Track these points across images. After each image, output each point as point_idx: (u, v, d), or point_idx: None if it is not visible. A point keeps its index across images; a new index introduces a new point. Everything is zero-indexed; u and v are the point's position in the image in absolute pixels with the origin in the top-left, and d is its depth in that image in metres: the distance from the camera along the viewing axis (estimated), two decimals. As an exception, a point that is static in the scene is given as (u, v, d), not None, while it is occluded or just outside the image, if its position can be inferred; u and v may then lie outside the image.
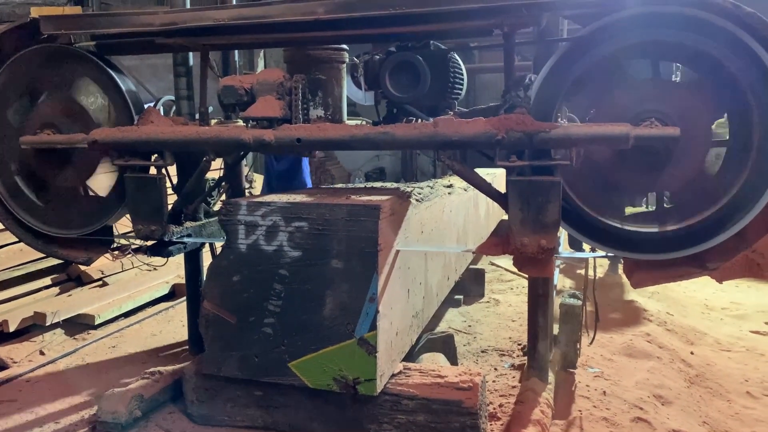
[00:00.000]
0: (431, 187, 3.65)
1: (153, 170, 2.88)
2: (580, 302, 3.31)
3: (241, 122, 2.91)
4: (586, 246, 2.53)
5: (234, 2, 3.59)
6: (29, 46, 2.96)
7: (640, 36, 2.22)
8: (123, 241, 4.45)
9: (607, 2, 2.21)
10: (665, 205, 2.41)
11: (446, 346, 3.53)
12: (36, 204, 3.11)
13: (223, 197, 3.50)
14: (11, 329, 4.17)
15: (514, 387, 3.40)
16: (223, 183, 3.34)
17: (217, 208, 3.49)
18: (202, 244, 3.48)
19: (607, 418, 3.11)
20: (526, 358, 3.30)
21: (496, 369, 3.80)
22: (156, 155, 2.79)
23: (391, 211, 2.64)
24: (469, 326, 4.65)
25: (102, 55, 3.01)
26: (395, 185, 3.71)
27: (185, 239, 3.01)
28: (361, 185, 3.87)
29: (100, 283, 5.13)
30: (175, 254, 3.05)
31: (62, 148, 2.92)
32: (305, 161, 4.86)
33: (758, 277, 2.18)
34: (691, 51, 2.19)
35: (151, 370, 3.04)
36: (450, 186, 3.95)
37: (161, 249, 2.95)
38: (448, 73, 2.74)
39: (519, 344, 4.14)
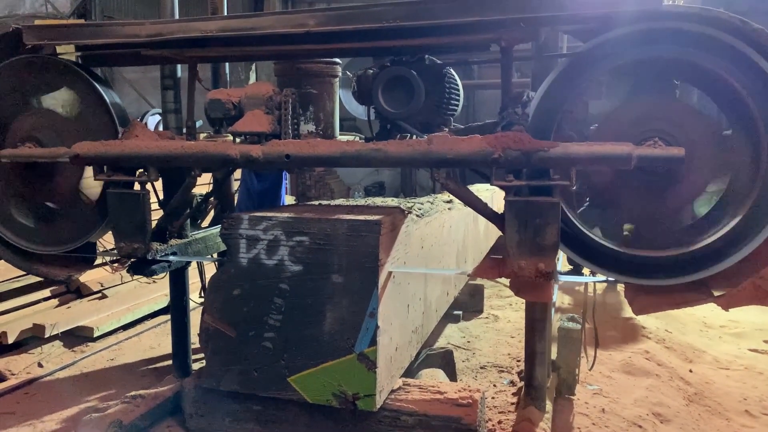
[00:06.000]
0: (431, 203, 3.62)
1: (138, 186, 2.79)
2: (579, 326, 3.20)
3: (231, 137, 2.83)
4: (585, 269, 2.44)
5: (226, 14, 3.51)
6: (13, 57, 2.86)
7: (642, 52, 2.13)
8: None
9: (608, 17, 2.12)
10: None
11: (445, 361, 3.53)
12: (15, 219, 2.99)
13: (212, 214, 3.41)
14: (10, 341, 4.16)
15: (513, 404, 3.34)
16: (211, 198, 3.25)
17: (205, 224, 3.40)
18: (188, 263, 3.38)
19: (606, 436, 3.06)
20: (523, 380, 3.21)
21: (495, 385, 3.76)
22: (140, 170, 2.70)
23: (392, 226, 2.61)
24: (468, 342, 4.62)
25: (87, 66, 2.93)
26: (395, 200, 3.69)
27: (170, 257, 2.92)
28: (362, 201, 3.83)
29: (99, 295, 5.14)
30: (159, 273, 2.95)
31: (44, 162, 2.82)
32: (285, 179, 4.77)
33: (766, 304, 2.08)
34: (696, 68, 2.10)
35: (132, 393, 2.97)
36: (450, 201, 3.91)
37: (144, 267, 2.85)
38: (443, 89, 2.65)
39: (518, 360, 4.07)
